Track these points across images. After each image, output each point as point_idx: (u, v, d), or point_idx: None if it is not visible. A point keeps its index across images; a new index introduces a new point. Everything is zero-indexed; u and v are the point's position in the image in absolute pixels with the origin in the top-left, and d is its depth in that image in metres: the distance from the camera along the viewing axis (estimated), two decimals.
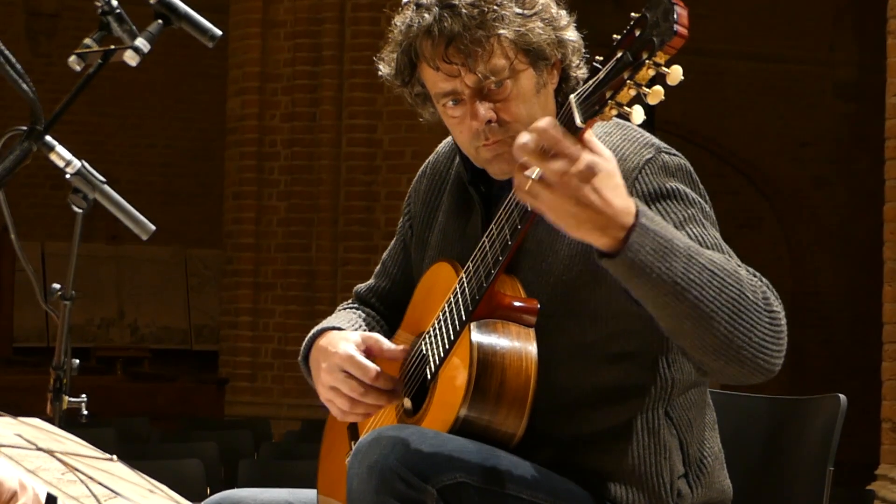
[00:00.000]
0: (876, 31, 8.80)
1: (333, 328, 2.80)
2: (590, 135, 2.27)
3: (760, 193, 15.39)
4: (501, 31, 2.55)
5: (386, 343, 2.70)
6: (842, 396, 2.74)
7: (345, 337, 2.72)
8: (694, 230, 2.48)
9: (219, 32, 2.66)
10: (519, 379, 2.49)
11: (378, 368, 2.65)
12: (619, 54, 2.23)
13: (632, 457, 2.57)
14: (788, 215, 15.71)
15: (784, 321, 2.40)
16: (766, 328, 2.36)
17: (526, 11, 2.57)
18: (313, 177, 10.67)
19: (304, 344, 2.83)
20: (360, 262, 10.48)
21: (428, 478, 2.38)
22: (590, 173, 2.23)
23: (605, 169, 2.26)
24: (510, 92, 2.58)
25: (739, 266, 2.41)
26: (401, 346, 2.70)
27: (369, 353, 2.69)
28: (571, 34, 2.63)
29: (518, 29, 2.56)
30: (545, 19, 2.59)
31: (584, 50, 2.66)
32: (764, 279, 2.42)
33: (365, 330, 2.85)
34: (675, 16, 2.16)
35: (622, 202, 2.27)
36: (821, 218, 15.55)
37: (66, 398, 2.64)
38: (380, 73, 2.72)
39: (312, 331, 2.83)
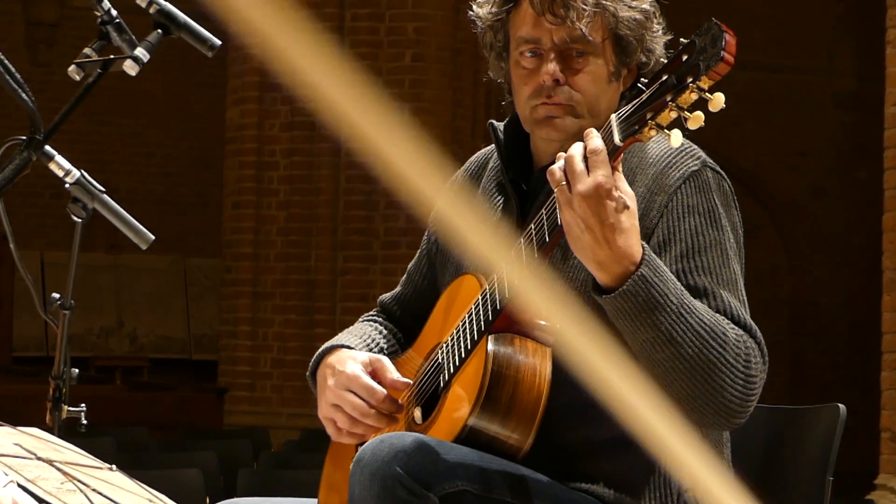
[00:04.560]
0: (875, 41, 8.81)
1: (343, 346, 2.81)
2: (619, 172, 2.34)
3: (759, 202, 15.38)
4: (608, 5, 2.59)
5: (390, 371, 2.70)
6: (841, 406, 2.74)
7: (353, 356, 2.74)
8: (714, 259, 2.52)
9: (218, 42, 2.66)
10: (531, 394, 2.50)
11: (384, 391, 2.67)
12: (664, 77, 2.28)
13: (641, 466, 2.58)
14: (787, 224, 15.70)
15: (759, 384, 2.45)
16: (738, 390, 2.42)
17: (634, 4, 2.63)
18: (312, 186, 10.67)
19: (312, 360, 2.84)
20: (359, 271, 10.48)
21: (430, 485, 2.38)
22: (613, 209, 2.31)
23: (622, 208, 2.33)
24: (587, 66, 2.62)
25: (728, 327, 2.44)
26: (404, 379, 2.70)
27: (374, 375, 2.70)
28: (660, 50, 2.67)
29: (622, 14, 2.61)
30: (646, 21, 2.64)
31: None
32: (758, 336, 2.47)
33: (379, 345, 2.88)
34: (723, 42, 2.23)
35: (627, 246, 2.35)
36: (820, 227, 15.55)
37: (66, 407, 2.64)
38: (471, 12, 2.75)
39: (322, 347, 2.84)
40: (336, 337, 2.89)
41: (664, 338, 2.36)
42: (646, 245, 2.40)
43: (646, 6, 2.64)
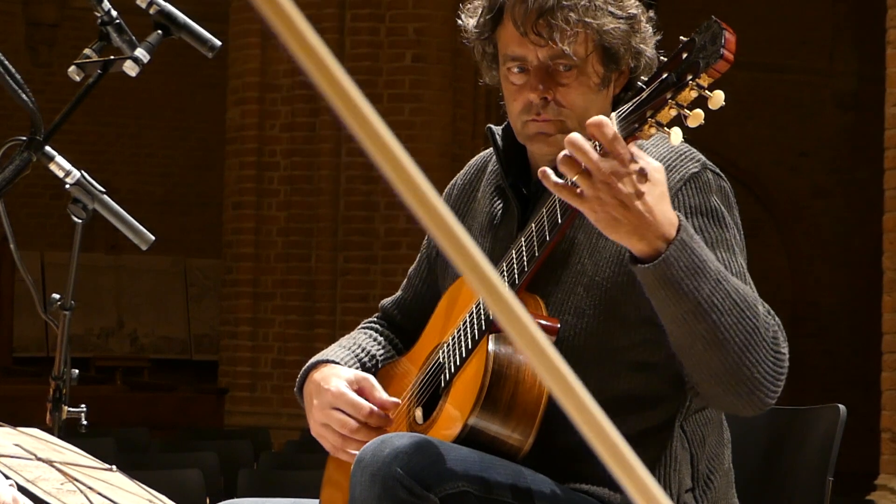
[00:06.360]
0: (875, 42, 8.81)
1: (329, 361, 2.81)
2: (635, 147, 2.32)
3: (760, 203, 15.39)
4: (589, 21, 2.58)
5: (378, 390, 2.72)
6: (841, 406, 2.74)
7: (338, 373, 2.75)
8: (723, 254, 2.51)
9: (218, 43, 2.67)
10: (531, 394, 2.51)
11: (370, 406, 2.68)
12: (665, 75, 2.28)
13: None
14: (788, 225, 15.71)
15: (787, 364, 2.45)
16: (770, 367, 2.41)
17: (618, 13, 2.61)
18: (313, 187, 10.67)
19: (300, 374, 2.85)
20: (359, 271, 10.48)
21: (430, 486, 2.39)
22: (640, 178, 2.27)
23: (654, 177, 2.31)
24: (574, 80, 2.61)
25: (758, 301, 2.44)
26: (393, 399, 2.71)
27: (360, 394, 2.71)
28: (650, 50, 2.66)
29: (606, 26, 2.59)
30: (632, 27, 2.63)
31: (654, 68, 2.68)
32: (777, 318, 2.46)
33: (370, 353, 2.88)
34: (722, 40, 2.23)
35: (665, 212, 2.33)
36: (820, 228, 15.55)
37: (66, 408, 2.65)
38: (459, 22, 2.75)
39: (309, 362, 2.85)
40: (324, 351, 2.89)
41: (705, 306, 2.33)
42: (678, 213, 2.38)
43: (632, 10, 2.63)
